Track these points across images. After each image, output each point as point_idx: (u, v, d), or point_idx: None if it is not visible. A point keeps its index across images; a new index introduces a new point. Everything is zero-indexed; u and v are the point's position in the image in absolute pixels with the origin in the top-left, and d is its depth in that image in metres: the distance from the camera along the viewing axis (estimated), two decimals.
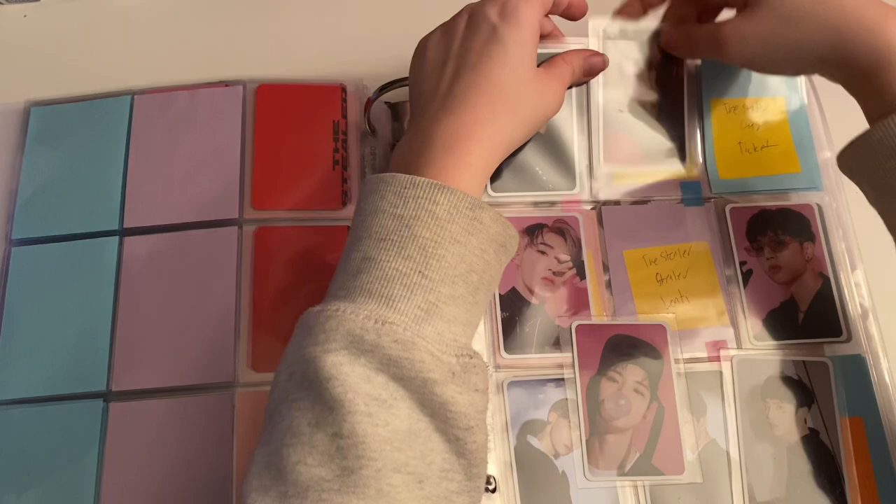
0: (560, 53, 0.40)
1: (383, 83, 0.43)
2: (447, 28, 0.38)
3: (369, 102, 0.44)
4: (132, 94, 0.45)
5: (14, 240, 0.43)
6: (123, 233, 0.43)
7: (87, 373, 0.40)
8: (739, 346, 0.42)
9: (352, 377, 0.28)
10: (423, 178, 0.32)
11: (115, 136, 0.44)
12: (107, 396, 0.39)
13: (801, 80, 0.47)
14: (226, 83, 0.46)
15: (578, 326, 0.42)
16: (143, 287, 0.41)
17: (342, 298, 0.31)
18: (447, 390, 0.29)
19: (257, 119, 0.45)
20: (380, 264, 0.31)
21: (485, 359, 0.40)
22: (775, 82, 0.47)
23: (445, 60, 0.37)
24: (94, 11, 0.49)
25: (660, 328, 0.42)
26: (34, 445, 0.39)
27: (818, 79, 0.47)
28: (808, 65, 0.40)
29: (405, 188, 0.32)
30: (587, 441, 0.39)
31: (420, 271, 0.31)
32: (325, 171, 0.44)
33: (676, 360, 0.41)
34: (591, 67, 0.42)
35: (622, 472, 0.39)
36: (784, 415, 0.40)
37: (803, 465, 0.39)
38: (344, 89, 0.46)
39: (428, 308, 0.31)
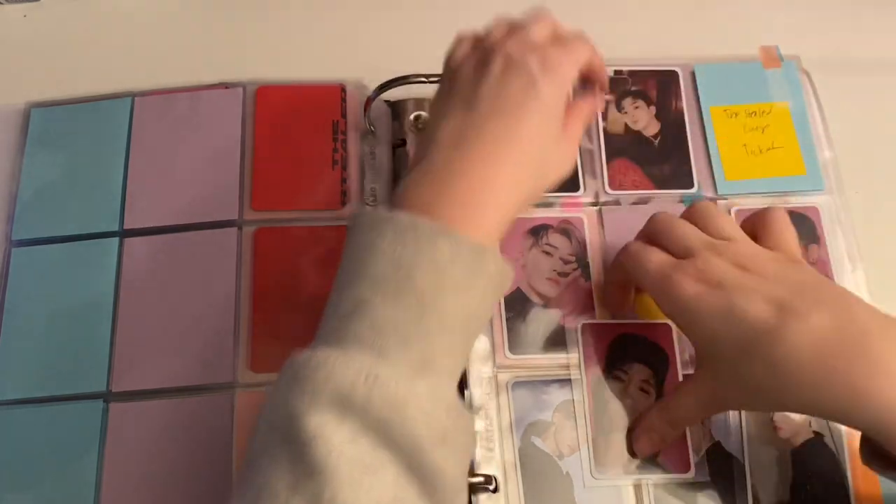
0: (572, 105, 0.37)
1: (383, 82, 0.43)
2: (482, 62, 0.35)
3: (369, 101, 0.44)
4: (133, 95, 0.46)
5: (14, 241, 0.43)
6: (124, 234, 0.43)
7: (87, 373, 0.40)
8: None
9: (336, 437, 0.26)
10: (425, 222, 0.30)
11: (115, 137, 0.45)
12: (107, 396, 0.39)
13: (803, 85, 0.47)
14: (226, 85, 0.46)
15: (584, 325, 0.41)
16: (143, 288, 0.41)
17: (332, 345, 0.29)
18: (437, 456, 0.27)
19: (257, 120, 0.45)
20: (374, 310, 0.29)
21: (488, 359, 0.40)
22: (776, 88, 0.47)
23: (475, 100, 0.34)
24: (94, 12, 0.49)
25: (666, 327, 0.41)
26: (34, 445, 0.38)
27: (818, 79, 0.48)
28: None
29: (406, 230, 0.30)
30: (593, 440, 0.39)
31: (417, 322, 0.29)
32: (324, 171, 0.44)
33: (682, 360, 0.41)
34: (594, 113, 0.42)
35: (629, 472, 0.39)
36: (789, 418, 0.40)
37: (808, 469, 0.39)
38: (343, 89, 0.46)
39: (423, 362, 0.29)
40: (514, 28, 0.36)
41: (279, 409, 0.28)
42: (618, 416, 0.39)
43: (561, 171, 0.36)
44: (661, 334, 0.41)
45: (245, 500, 0.27)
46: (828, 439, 0.39)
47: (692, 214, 0.37)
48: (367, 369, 0.27)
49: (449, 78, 0.36)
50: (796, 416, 0.40)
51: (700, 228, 0.36)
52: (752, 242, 0.36)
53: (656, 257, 0.36)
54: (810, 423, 0.40)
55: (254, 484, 0.27)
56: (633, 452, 0.39)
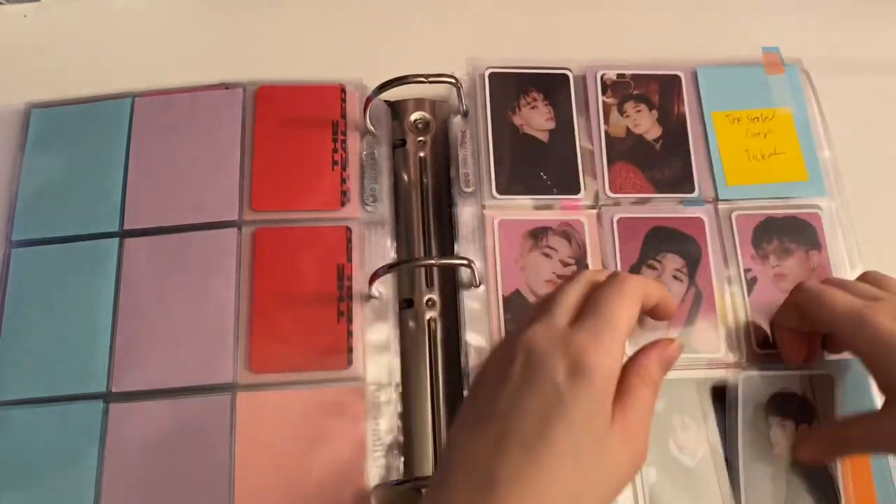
0: (628, 373, 0.31)
1: (382, 82, 0.43)
2: (503, 362, 0.30)
3: (369, 101, 0.44)
4: (133, 96, 0.45)
5: (14, 241, 0.43)
6: (124, 234, 0.43)
7: (87, 373, 0.40)
8: (741, 354, 0.41)
9: None
10: None
11: (115, 137, 0.44)
12: (107, 397, 0.39)
13: (805, 89, 0.47)
14: (226, 86, 0.46)
15: (619, 220, 0.43)
16: (143, 288, 0.41)
17: None
18: None
19: (257, 121, 0.45)
20: None
21: None
22: (778, 93, 0.47)
23: (489, 413, 0.29)
24: (94, 13, 0.49)
25: (698, 220, 0.43)
26: (34, 445, 0.39)
27: (818, 80, 0.48)
28: None
29: None
30: None
31: None
32: (324, 171, 0.44)
33: (714, 249, 0.43)
34: (668, 362, 0.32)
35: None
36: (785, 432, 0.40)
37: (801, 484, 0.39)
38: (343, 89, 0.46)
39: None
40: (542, 308, 0.31)
41: None
42: None
43: (625, 471, 0.29)
44: (694, 227, 0.43)
45: None
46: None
47: (862, 278, 0.38)
48: None
49: (478, 373, 0.32)
50: (791, 431, 0.40)
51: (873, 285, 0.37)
52: None
53: (843, 296, 0.35)
54: None
55: None
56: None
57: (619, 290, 0.31)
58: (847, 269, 0.43)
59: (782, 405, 0.40)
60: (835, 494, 0.39)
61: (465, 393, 0.34)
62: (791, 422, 0.40)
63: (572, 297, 0.32)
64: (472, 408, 0.30)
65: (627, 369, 0.31)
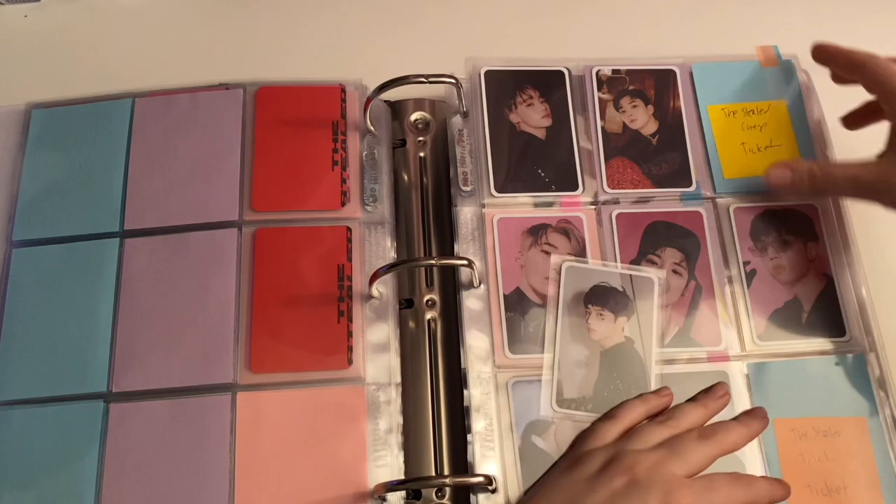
0: None
1: (382, 82, 0.43)
2: (609, 468, 0.34)
3: (368, 101, 0.44)
4: (133, 96, 0.46)
5: (15, 241, 0.43)
6: (124, 234, 0.43)
7: (87, 373, 0.40)
8: (742, 346, 0.42)
9: None
10: None
11: (116, 138, 0.45)
12: (107, 397, 0.39)
13: (801, 84, 0.47)
14: (226, 86, 0.46)
15: (618, 215, 0.44)
16: (143, 288, 0.42)
17: None
18: None
19: (257, 121, 0.45)
20: None
21: (488, 359, 0.40)
22: (773, 87, 0.47)
23: (579, 502, 0.33)
24: (94, 13, 0.50)
25: (697, 214, 0.43)
26: (34, 445, 0.39)
27: (817, 79, 0.48)
28: None
29: None
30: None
31: None
32: (324, 171, 0.44)
33: (712, 242, 0.43)
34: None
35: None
36: (602, 321, 0.41)
37: (613, 370, 0.40)
38: (343, 89, 0.46)
39: None
40: (667, 446, 0.35)
41: None
42: None
43: None
44: (693, 221, 0.43)
45: None
46: (637, 344, 0.41)
47: None
48: None
49: (575, 459, 0.36)
50: (610, 321, 0.41)
51: None
52: None
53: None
54: (623, 329, 0.41)
55: None
56: (583, 416, 0.39)
57: (746, 486, 0.35)
58: (844, 261, 0.44)
59: (602, 297, 0.42)
60: (644, 381, 0.40)
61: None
62: (610, 313, 0.42)
63: (696, 461, 0.35)
64: (562, 490, 0.34)
65: None
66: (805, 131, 0.47)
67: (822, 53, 0.43)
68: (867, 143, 0.47)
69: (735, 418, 0.39)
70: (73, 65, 0.48)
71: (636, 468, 0.34)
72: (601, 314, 0.41)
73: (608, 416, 0.38)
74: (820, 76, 0.47)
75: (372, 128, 0.45)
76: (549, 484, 0.36)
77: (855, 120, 0.45)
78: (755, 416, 0.38)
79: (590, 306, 0.42)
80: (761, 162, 0.45)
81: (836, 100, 0.47)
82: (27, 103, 0.46)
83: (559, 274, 0.42)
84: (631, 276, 0.42)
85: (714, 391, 0.39)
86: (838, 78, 0.44)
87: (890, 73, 0.40)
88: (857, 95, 0.48)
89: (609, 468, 0.34)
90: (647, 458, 0.34)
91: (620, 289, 0.42)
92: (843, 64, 0.42)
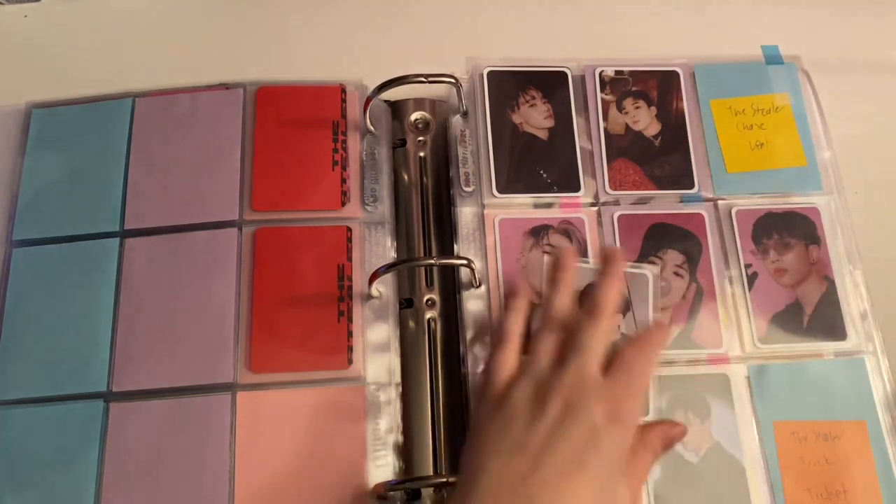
0: (637, 441, 0.35)
1: (382, 82, 0.43)
2: (537, 397, 0.34)
3: (368, 101, 0.44)
4: (133, 96, 0.46)
5: (15, 241, 0.43)
6: (124, 234, 0.43)
7: (87, 373, 0.40)
8: (743, 349, 0.42)
9: None
10: None
11: (116, 137, 0.45)
12: (107, 396, 0.39)
13: (803, 86, 0.47)
14: (226, 86, 0.46)
15: (619, 217, 0.44)
16: (143, 288, 0.42)
17: None
18: None
19: (258, 121, 0.45)
20: None
21: None
22: (774, 80, 0.47)
23: (526, 444, 0.32)
24: (94, 12, 0.50)
25: (698, 216, 0.43)
26: (34, 445, 0.39)
27: (817, 78, 0.48)
28: None
29: None
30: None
31: None
32: (324, 171, 0.44)
33: (714, 244, 0.43)
34: (671, 442, 0.37)
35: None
36: None
37: None
38: (343, 89, 0.46)
39: None
40: (571, 350, 0.35)
41: None
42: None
43: None
44: (694, 223, 0.43)
45: None
46: None
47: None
48: None
49: (496, 400, 0.35)
50: None
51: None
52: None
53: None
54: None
55: None
56: None
57: (648, 355, 0.35)
58: (846, 263, 0.44)
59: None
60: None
61: (477, 416, 0.35)
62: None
63: (601, 344, 0.35)
64: (503, 438, 0.33)
65: (637, 437, 0.35)
66: (807, 132, 0.46)
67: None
68: (867, 142, 0.47)
69: (598, 281, 0.38)
70: (73, 65, 0.48)
71: (562, 388, 0.33)
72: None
73: (496, 341, 0.37)
74: (821, 76, 0.47)
75: (372, 128, 0.45)
76: (487, 435, 0.34)
77: None
78: (609, 259, 0.38)
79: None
80: (764, 156, 0.46)
81: (836, 100, 0.47)
82: (27, 103, 0.46)
83: None
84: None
85: (558, 267, 0.38)
86: None
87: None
88: (858, 96, 0.48)
89: (538, 399, 0.33)
90: (567, 374, 0.34)
91: None
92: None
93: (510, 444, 0.32)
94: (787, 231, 0.44)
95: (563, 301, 0.38)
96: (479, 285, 0.42)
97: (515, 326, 0.38)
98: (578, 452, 0.32)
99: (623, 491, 0.33)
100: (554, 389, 0.33)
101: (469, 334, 0.41)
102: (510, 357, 0.36)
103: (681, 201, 0.45)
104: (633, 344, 0.35)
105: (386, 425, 0.39)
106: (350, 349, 0.40)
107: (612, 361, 0.35)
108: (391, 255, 0.43)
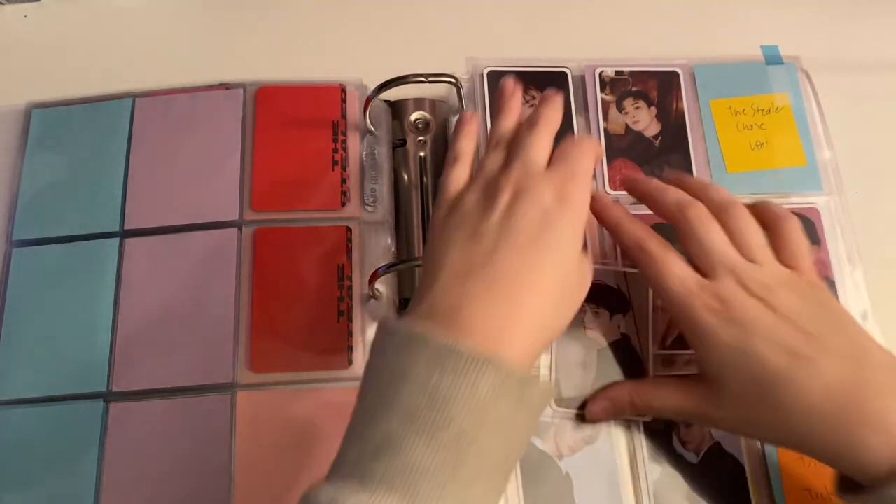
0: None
1: (382, 82, 0.43)
2: (487, 194, 0.34)
3: (368, 101, 0.44)
4: (133, 96, 0.46)
5: (15, 241, 0.43)
6: (124, 234, 0.43)
7: (87, 373, 0.40)
8: None
9: None
10: (466, 347, 0.27)
11: (116, 137, 0.45)
12: (107, 396, 0.39)
13: (802, 86, 0.47)
14: (226, 86, 0.46)
15: None
16: (143, 288, 0.42)
17: (356, 482, 0.26)
18: None
19: (257, 121, 0.45)
20: (406, 450, 0.26)
21: None
22: (774, 80, 0.47)
23: (483, 232, 0.32)
24: (94, 12, 0.50)
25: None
26: (34, 445, 0.39)
27: (817, 78, 0.48)
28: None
29: (444, 355, 0.27)
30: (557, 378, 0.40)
31: (455, 466, 0.26)
32: (324, 171, 0.44)
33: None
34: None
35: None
36: (599, 319, 0.41)
37: (609, 366, 0.40)
38: (343, 89, 0.46)
39: None
40: (514, 152, 0.35)
41: None
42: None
43: (582, 294, 0.34)
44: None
45: None
46: (633, 341, 0.41)
47: (723, 212, 0.36)
48: None
49: (449, 206, 0.35)
50: (605, 319, 0.41)
51: (728, 233, 0.35)
52: (776, 264, 0.35)
53: (679, 272, 0.35)
54: (619, 326, 0.41)
55: None
56: (582, 414, 0.39)
57: (583, 147, 0.35)
58: (846, 264, 0.44)
59: (597, 295, 0.42)
60: (641, 373, 0.40)
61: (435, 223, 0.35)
62: (605, 310, 0.41)
63: (542, 146, 0.35)
64: (459, 232, 0.33)
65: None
66: (807, 132, 0.47)
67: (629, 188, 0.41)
68: (867, 142, 0.47)
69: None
70: (73, 65, 0.48)
71: (510, 182, 0.34)
72: (596, 312, 0.41)
73: (449, 161, 0.37)
74: (821, 76, 0.47)
75: (372, 128, 0.45)
76: (444, 233, 0.34)
77: None
78: (546, 96, 0.38)
79: (584, 304, 0.41)
80: (765, 156, 0.46)
81: (836, 100, 0.47)
82: (27, 103, 0.46)
83: None
84: (625, 273, 0.42)
85: (503, 96, 0.39)
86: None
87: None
88: (858, 96, 0.48)
89: (488, 195, 0.34)
90: (513, 170, 0.34)
91: (615, 286, 0.42)
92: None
93: (467, 234, 0.33)
94: None
95: (509, 124, 0.38)
96: None
97: (467, 147, 0.38)
98: (534, 233, 0.32)
99: (586, 266, 0.34)
100: (502, 184, 0.34)
101: None
102: (462, 173, 0.37)
103: None
104: (568, 140, 0.36)
105: None
106: (350, 349, 0.40)
107: (551, 158, 0.35)
108: (391, 255, 0.43)
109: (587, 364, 0.40)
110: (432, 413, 0.27)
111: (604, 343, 0.41)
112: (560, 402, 0.40)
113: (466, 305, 0.30)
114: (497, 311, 0.30)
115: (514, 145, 0.36)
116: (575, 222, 0.33)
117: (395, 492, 0.26)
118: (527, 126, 0.36)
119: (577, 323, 0.41)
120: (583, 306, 0.39)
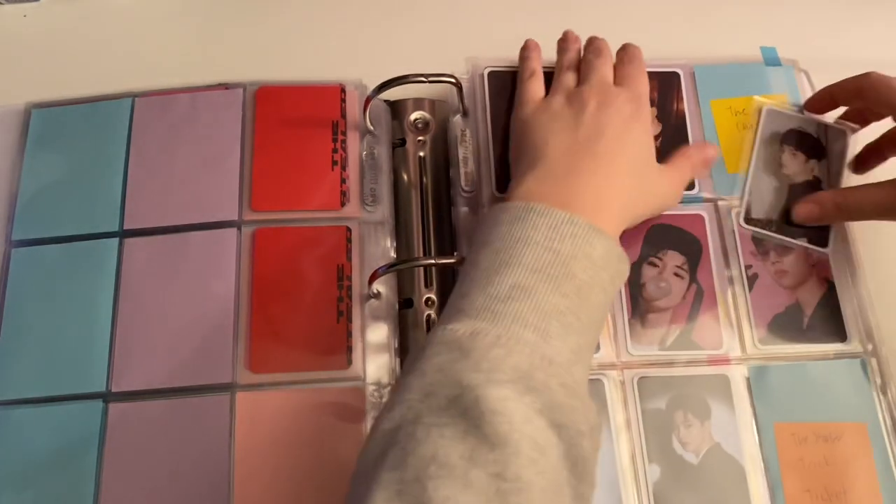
0: (679, 152, 0.42)
1: (382, 82, 0.43)
2: (571, 100, 0.40)
3: (368, 101, 0.44)
4: (133, 96, 0.46)
5: (14, 241, 0.43)
6: (123, 234, 0.43)
7: (87, 373, 0.40)
8: (743, 350, 0.41)
9: (517, 415, 0.26)
10: (580, 217, 0.32)
11: (115, 137, 0.45)
12: (107, 397, 0.39)
13: (801, 87, 0.47)
14: (226, 86, 0.46)
15: None
16: (142, 288, 0.41)
17: (491, 322, 0.29)
18: (589, 446, 0.28)
19: (257, 121, 0.45)
20: (535, 296, 0.30)
21: None
22: (773, 81, 0.47)
23: (576, 125, 0.38)
24: (94, 12, 0.50)
25: (698, 217, 0.44)
26: (34, 445, 0.39)
27: (817, 79, 0.48)
28: None
29: (562, 224, 0.32)
30: (629, 321, 0.41)
31: (577, 312, 0.30)
32: (324, 171, 0.44)
33: (714, 246, 0.44)
34: (707, 160, 0.43)
35: (664, 347, 0.41)
36: (795, 160, 0.45)
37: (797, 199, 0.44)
38: (343, 89, 0.46)
39: (578, 352, 0.30)
40: (587, 73, 0.41)
41: (442, 379, 0.28)
42: (653, 298, 0.42)
43: (666, 200, 0.41)
44: (695, 224, 0.44)
45: (405, 472, 0.26)
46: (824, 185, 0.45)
47: (588, 53, 0.43)
48: (540, 352, 0.28)
49: (535, 107, 0.41)
50: None
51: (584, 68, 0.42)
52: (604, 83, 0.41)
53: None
54: (813, 169, 0.45)
55: (413, 454, 0.26)
56: (786, 216, 0.44)
57: (642, 69, 0.42)
58: (846, 266, 0.44)
59: (797, 138, 0.46)
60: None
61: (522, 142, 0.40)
62: (802, 154, 0.45)
63: (610, 69, 0.42)
64: (555, 125, 0.38)
65: (678, 152, 0.42)
66: None
67: (818, 103, 0.45)
68: (868, 141, 0.47)
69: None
70: (73, 65, 0.48)
71: (592, 92, 0.39)
72: (794, 153, 0.45)
73: (523, 78, 0.43)
74: (821, 77, 0.47)
75: (372, 127, 0.45)
76: (538, 125, 0.39)
77: (867, 159, 0.45)
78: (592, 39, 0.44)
79: (784, 145, 0.45)
80: None
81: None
82: (27, 103, 0.46)
83: (759, 115, 0.46)
84: (826, 125, 0.46)
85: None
86: (860, 117, 0.45)
87: (891, 86, 0.41)
88: None
89: (573, 102, 0.39)
90: (592, 84, 0.40)
91: (815, 135, 0.46)
92: (844, 97, 0.44)
93: (566, 125, 0.38)
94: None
95: (573, 54, 0.43)
96: None
97: (538, 66, 0.43)
98: (619, 129, 0.37)
99: (658, 178, 0.40)
100: (585, 94, 0.39)
101: None
102: (539, 85, 0.42)
103: (681, 202, 0.45)
104: (623, 62, 0.42)
105: None
106: (350, 349, 0.40)
107: (615, 79, 0.41)
108: (391, 255, 0.43)
109: (778, 192, 0.44)
110: (557, 267, 0.31)
111: (796, 181, 0.45)
112: (749, 220, 0.44)
113: (574, 173, 0.35)
114: (597, 182, 0.35)
115: (585, 68, 0.42)
116: (648, 131, 0.40)
117: (529, 328, 0.29)
118: (595, 54, 0.42)
119: (775, 159, 0.45)
120: (782, 147, 0.45)
